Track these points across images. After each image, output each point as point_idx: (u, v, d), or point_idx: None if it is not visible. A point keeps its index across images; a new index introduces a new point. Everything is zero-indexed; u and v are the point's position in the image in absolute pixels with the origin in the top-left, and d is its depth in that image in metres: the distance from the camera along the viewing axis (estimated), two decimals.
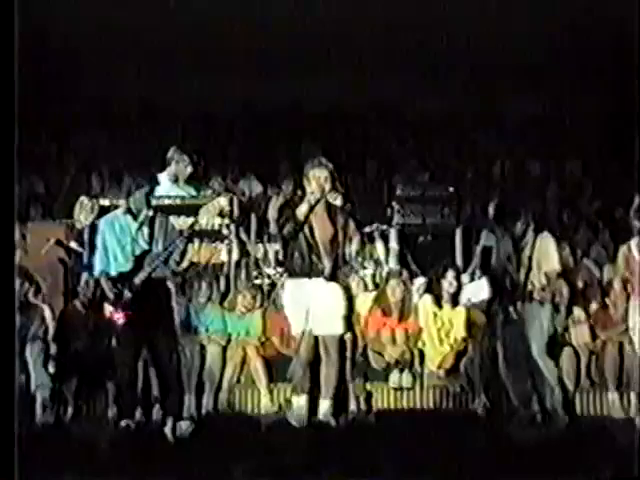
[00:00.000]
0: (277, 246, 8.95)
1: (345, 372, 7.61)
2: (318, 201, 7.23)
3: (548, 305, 8.44)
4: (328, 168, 7.31)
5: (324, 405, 7.24)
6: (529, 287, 8.35)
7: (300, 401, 7.25)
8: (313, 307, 7.13)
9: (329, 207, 7.31)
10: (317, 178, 7.29)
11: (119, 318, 7.18)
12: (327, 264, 7.20)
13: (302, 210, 7.23)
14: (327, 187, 7.27)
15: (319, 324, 7.17)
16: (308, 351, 7.21)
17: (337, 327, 7.25)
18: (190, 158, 9.07)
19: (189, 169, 9.15)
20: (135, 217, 7.44)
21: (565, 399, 8.41)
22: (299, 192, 7.53)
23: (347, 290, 7.39)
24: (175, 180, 9.13)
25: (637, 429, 7.66)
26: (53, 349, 8.14)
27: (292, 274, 7.34)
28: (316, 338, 7.22)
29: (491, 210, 9.03)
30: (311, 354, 7.21)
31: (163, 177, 9.09)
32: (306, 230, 7.24)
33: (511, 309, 8.31)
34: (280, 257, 9.08)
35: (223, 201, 8.91)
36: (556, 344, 8.61)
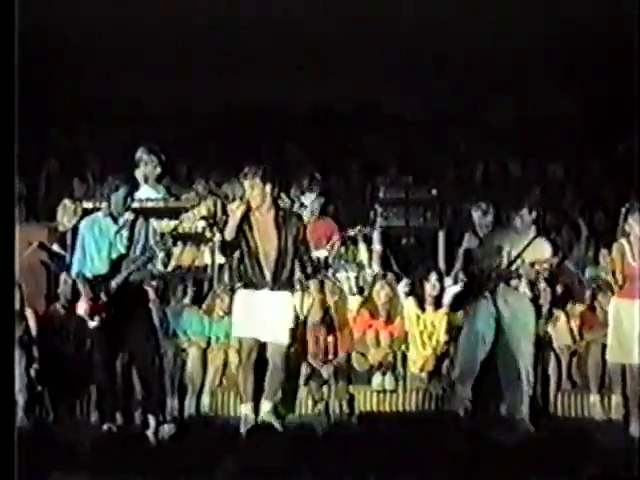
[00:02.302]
0: None
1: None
2: (247, 212, 7.21)
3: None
4: (252, 177, 7.22)
5: (265, 407, 7.37)
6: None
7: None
8: (260, 315, 7.27)
9: (277, 214, 7.30)
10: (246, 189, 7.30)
11: (95, 321, 7.17)
12: (268, 274, 7.25)
13: (230, 223, 7.25)
14: (254, 198, 7.21)
15: (265, 331, 7.31)
16: (251, 357, 7.37)
17: (283, 337, 7.37)
18: (158, 158, 9.00)
19: (158, 170, 9.10)
20: (115, 220, 7.42)
21: (547, 401, 8.44)
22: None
23: (290, 299, 7.44)
24: (145, 181, 9.11)
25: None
26: (35, 353, 8.11)
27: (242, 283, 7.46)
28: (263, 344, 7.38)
29: (474, 215, 8.96)
30: (253, 360, 7.37)
31: (139, 179, 9.06)
32: (252, 240, 7.25)
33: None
34: None
35: (204, 209, 8.89)
36: (537, 346, 8.61)
